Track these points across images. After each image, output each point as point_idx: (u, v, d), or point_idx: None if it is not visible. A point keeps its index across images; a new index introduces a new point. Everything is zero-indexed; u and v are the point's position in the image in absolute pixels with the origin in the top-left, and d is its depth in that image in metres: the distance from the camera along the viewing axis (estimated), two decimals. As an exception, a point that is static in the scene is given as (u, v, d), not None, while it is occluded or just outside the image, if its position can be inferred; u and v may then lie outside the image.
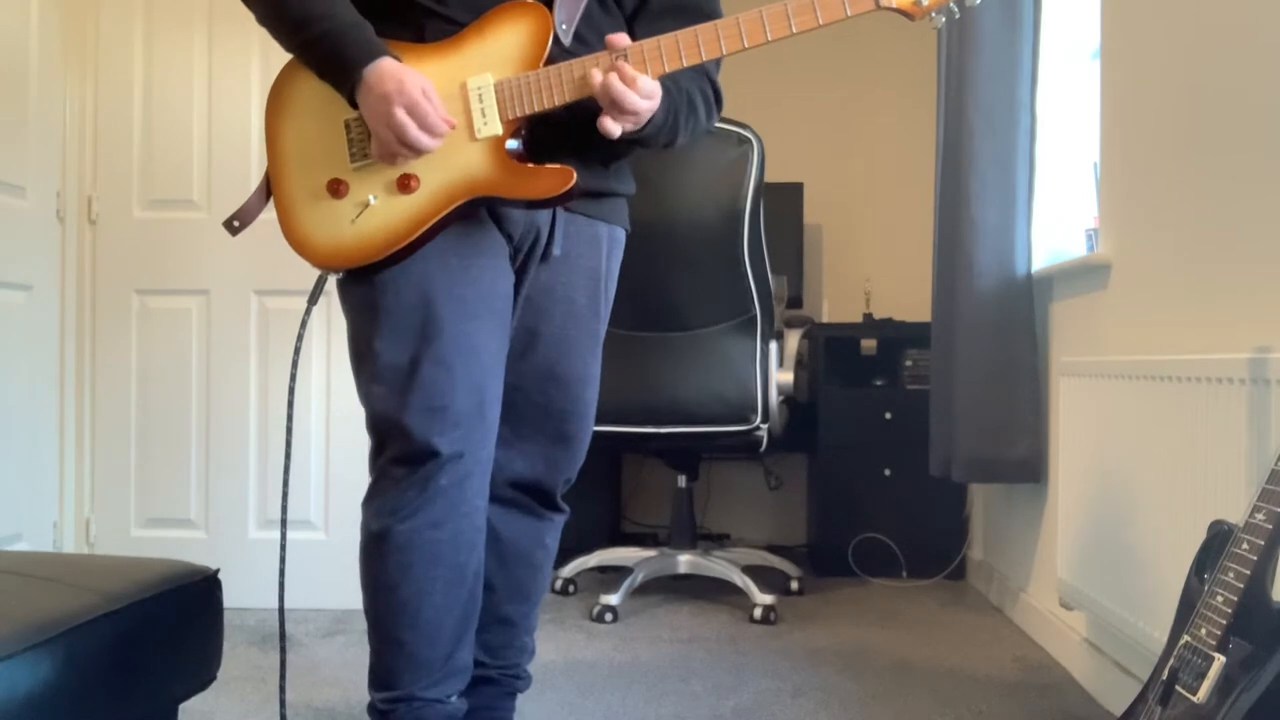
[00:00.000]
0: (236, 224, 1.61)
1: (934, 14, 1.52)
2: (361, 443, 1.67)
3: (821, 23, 1.50)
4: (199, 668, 1.54)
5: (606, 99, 1.49)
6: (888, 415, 3.54)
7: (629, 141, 1.60)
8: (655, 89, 1.53)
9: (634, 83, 1.49)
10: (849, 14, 1.50)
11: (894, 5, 1.51)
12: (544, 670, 2.39)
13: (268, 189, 1.61)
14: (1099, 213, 2.46)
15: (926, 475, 3.22)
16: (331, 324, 2.93)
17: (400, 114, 1.47)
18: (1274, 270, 1.67)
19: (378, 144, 1.52)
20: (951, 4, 1.52)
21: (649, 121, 1.55)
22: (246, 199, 1.61)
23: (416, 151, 1.51)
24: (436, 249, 1.57)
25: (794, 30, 1.50)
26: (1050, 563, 2.59)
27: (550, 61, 1.54)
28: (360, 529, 1.64)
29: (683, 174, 2.88)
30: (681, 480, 3.26)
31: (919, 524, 3.48)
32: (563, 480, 1.80)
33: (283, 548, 1.63)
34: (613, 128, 1.51)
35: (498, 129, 1.53)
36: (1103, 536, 2.11)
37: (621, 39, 1.52)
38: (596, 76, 1.49)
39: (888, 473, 3.53)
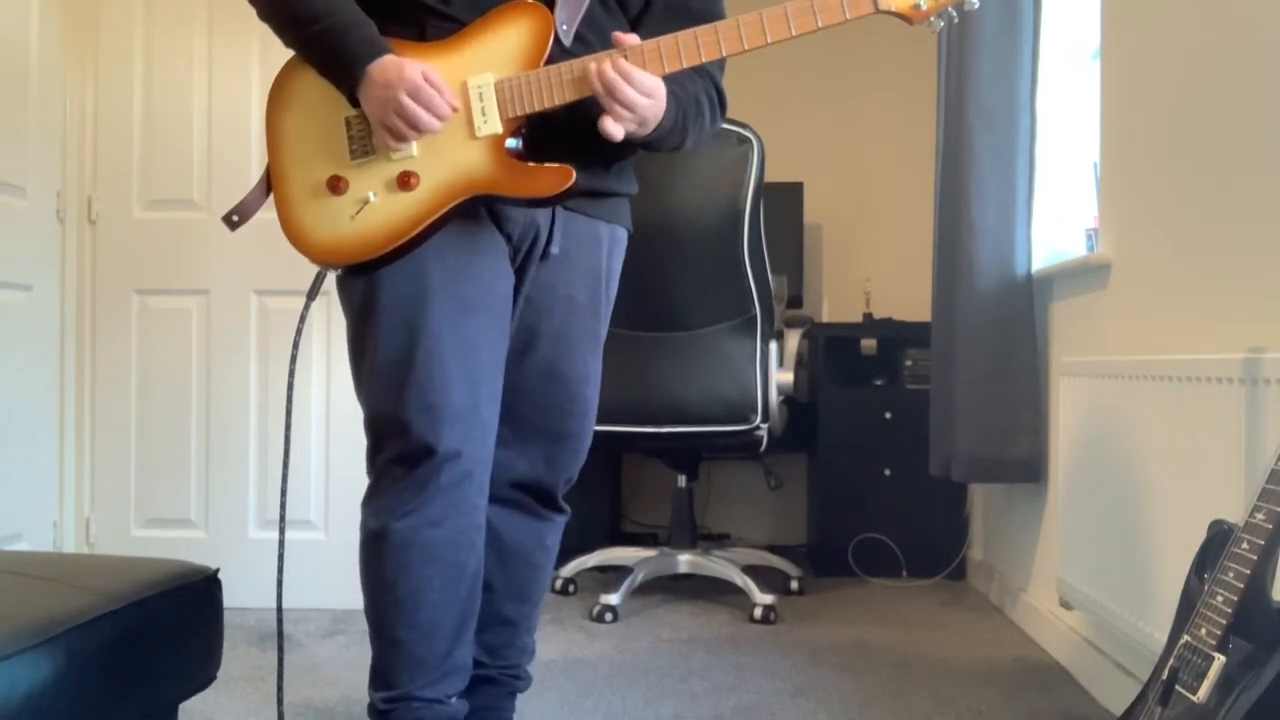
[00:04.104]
0: (236, 218, 1.61)
1: (933, 18, 1.52)
2: (362, 442, 1.67)
3: (820, 25, 1.50)
4: (199, 668, 1.54)
5: (601, 88, 1.49)
6: (888, 415, 3.54)
7: (638, 144, 1.60)
8: (655, 87, 1.53)
9: (630, 75, 1.49)
10: (848, 17, 1.50)
11: (893, 9, 1.51)
12: (544, 670, 2.39)
13: (268, 184, 1.61)
14: (1099, 213, 2.46)
15: (926, 475, 3.22)
16: (331, 323, 2.93)
17: (405, 99, 1.48)
18: (1271, 270, 1.67)
19: (384, 133, 1.52)
20: (950, 8, 1.52)
21: (659, 125, 1.56)
22: (246, 194, 1.62)
23: (421, 132, 1.51)
24: (435, 247, 1.57)
25: (793, 33, 1.50)
26: (1050, 563, 2.59)
27: (551, 61, 1.54)
28: (359, 528, 1.64)
29: (683, 174, 2.88)
30: (681, 480, 3.25)
31: (919, 524, 3.47)
32: (564, 480, 1.79)
33: (281, 544, 1.64)
34: (613, 129, 1.51)
35: (498, 127, 1.54)
36: (1102, 536, 2.11)
37: (629, 37, 1.52)
38: (591, 67, 1.50)
39: (888, 473, 3.52)
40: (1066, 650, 2.50)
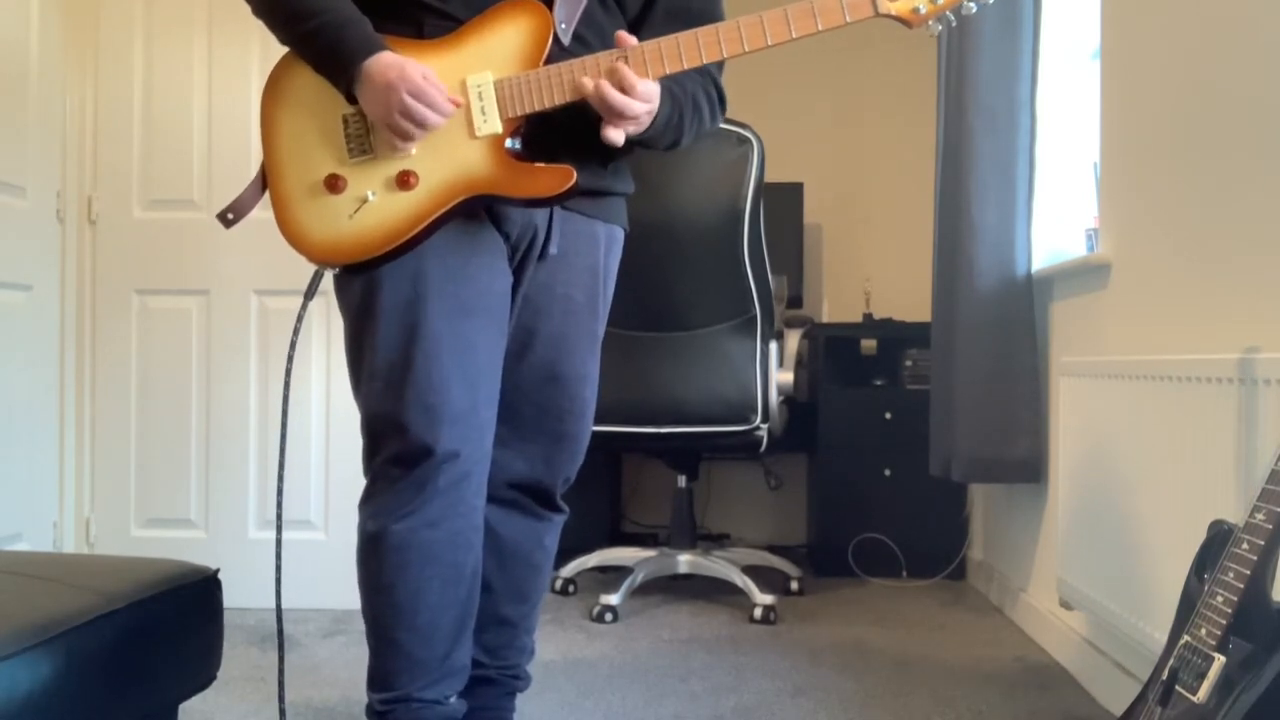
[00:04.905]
0: (231, 216, 1.61)
1: (931, 22, 1.53)
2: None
3: (820, 28, 1.51)
4: (199, 668, 1.54)
5: (604, 108, 1.50)
6: (888, 415, 3.54)
7: (633, 142, 1.60)
8: (653, 92, 1.53)
9: (633, 89, 1.50)
10: (847, 20, 1.51)
11: (892, 12, 1.51)
12: (544, 670, 2.39)
13: (263, 181, 1.60)
14: (1099, 213, 2.46)
15: (926, 475, 3.22)
16: (330, 323, 2.93)
17: (409, 99, 1.48)
18: (1270, 270, 1.67)
19: (388, 133, 1.52)
20: (949, 12, 1.53)
21: (653, 123, 1.56)
22: (241, 191, 1.61)
23: (427, 130, 1.51)
24: (433, 247, 1.57)
25: (793, 35, 1.50)
26: (1050, 563, 2.59)
27: (550, 61, 1.54)
28: (357, 530, 1.64)
29: (683, 174, 2.88)
30: (681, 480, 3.25)
31: (919, 524, 3.48)
32: (562, 480, 1.79)
33: (278, 542, 1.63)
34: (616, 136, 1.52)
35: (497, 127, 1.54)
36: (1103, 536, 2.11)
37: (630, 38, 1.52)
38: (588, 85, 1.50)
39: (888, 473, 3.52)
40: (1066, 650, 2.50)
